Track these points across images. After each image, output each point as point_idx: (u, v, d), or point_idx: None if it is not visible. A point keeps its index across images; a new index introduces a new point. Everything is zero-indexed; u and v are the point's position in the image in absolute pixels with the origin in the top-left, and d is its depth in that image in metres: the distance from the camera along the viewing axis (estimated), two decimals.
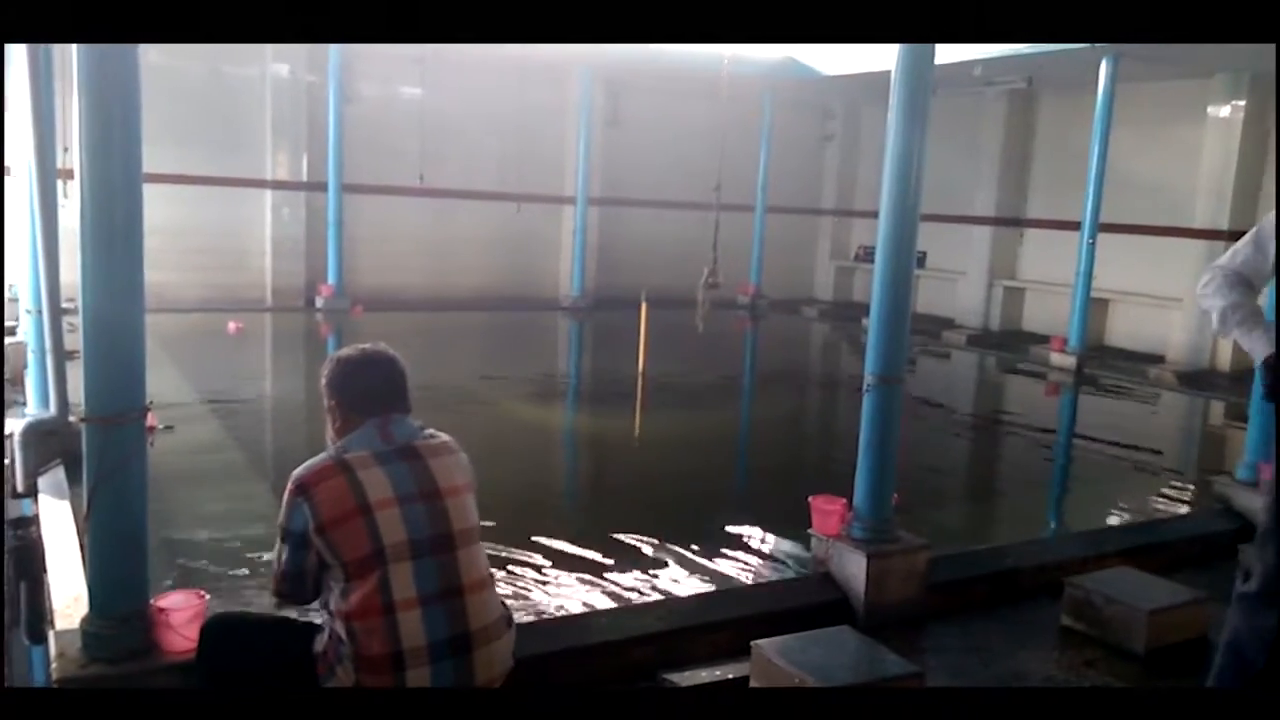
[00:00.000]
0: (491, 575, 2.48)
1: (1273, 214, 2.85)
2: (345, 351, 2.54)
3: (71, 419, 4.82)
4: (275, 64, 12.28)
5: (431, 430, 2.51)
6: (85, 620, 2.88)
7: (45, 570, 3.74)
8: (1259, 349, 2.71)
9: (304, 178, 12.60)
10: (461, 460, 2.50)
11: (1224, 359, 10.62)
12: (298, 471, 2.34)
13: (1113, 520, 5.61)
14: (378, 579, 2.23)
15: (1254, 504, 4.95)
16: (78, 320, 2.83)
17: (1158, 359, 11.09)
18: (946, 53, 5.38)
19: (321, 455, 2.39)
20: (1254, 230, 2.91)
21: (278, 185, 12.54)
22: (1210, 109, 10.94)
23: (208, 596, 2.97)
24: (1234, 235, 10.51)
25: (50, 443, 4.89)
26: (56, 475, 4.74)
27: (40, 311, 4.99)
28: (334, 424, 2.48)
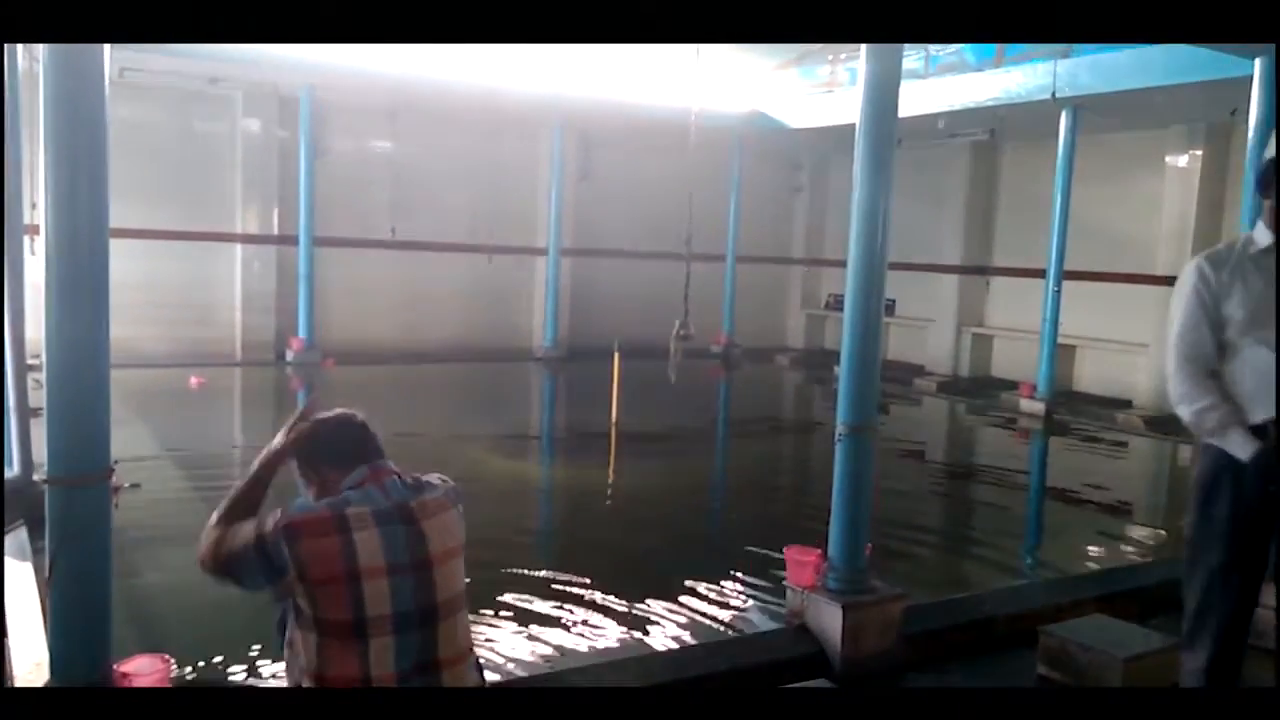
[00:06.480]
0: (471, 645, 2.38)
1: (1188, 269, 2.84)
2: (316, 415, 2.39)
3: (36, 478, 4.72)
4: (246, 119, 12.32)
5: (428, 479, 2.37)
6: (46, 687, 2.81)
7: (5, 634, 3.64)
8: (1239, 450, 2.69)
9: (275, 231, 12.58)
10: (456, 516, 2.37)
11: None
12: (291, 511, 2.16)
13: (1085, 567, 5.62)
14: (357, 650, 2.14)
15: None
16: (43, 377, 2.79)
17: (1125, 404, 11.22)
18: (910, 105, 5.48)
19: (323, 501, 2.22)
20: (1186, 299, 2.80)
21: (248, 239, 12.52)
22: (1169, 159, 11.20)
23: (173, 661, 2.91)
24: None
25: (13, 503, 4.79)
26: (19, 536, 4.64)
27: (4, 368, 4.92)
28: (310, 488, 2.34)
